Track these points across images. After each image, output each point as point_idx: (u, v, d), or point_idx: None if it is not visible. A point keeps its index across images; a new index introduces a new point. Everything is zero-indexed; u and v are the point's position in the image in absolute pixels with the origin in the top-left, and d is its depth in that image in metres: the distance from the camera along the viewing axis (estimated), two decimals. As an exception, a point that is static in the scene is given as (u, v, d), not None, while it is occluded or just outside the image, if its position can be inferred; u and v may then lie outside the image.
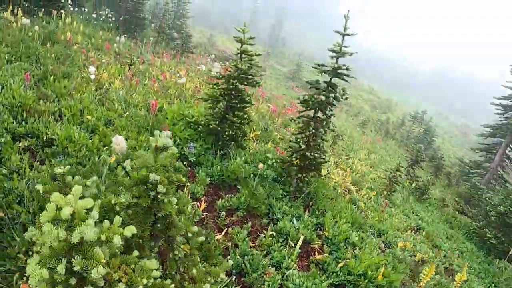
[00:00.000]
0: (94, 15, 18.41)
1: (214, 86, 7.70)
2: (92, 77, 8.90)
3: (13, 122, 5.99)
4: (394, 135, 36.54)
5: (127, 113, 8.35)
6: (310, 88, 7.32)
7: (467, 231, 13.96)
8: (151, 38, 20.30)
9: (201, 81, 13.68)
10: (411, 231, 10.36)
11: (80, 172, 4.25)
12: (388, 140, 33.21)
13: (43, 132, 5.96)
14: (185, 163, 7.11)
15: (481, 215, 15.11)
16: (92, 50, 12.80)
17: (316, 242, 6.59)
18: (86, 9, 18.31)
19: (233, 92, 7.46)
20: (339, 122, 27.26)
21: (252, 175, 7.22)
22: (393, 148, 30.44)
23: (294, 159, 7.46)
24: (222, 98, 7.50)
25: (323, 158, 7.50)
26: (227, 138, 7.73)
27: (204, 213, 6.06)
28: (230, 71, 7.49)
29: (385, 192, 13.02)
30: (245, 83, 7.45)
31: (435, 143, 40.30)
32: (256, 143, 10.01)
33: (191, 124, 8.02)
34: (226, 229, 5.87)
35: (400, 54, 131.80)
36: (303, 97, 7.22)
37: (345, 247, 6.75)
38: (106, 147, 6.24)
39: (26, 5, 13.80)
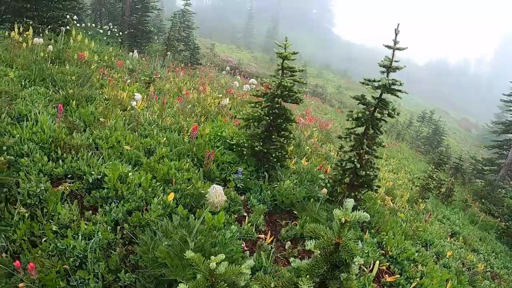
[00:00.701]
0: (98, 30, 17.55)
1: (257, 105, 7.27)
2: (134, 104, 8.29)
3: (48, 162, 5.11)
4: (404, 136, 36.04)
5: (164, 139, 7.51)
6: (359, 103, 7.08)
7: (495, 231, 14.03)
8: (157, 52, 19.56)
9: (238, 99, 12.94)
10: (449, 237, 10.35)
11: (163, 229, 3.39)
12: (399, 142, 32.66)
13: (87, 172, 5.10)
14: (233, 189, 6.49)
15: (506, 214, 15.25)
16: (105, 67, 11.95)
17: (384, 263, 6.29)
18: (90, 24, 17.46)
19: (276, 110, 7.09)
20: (349, 125, 26.45)
21: (305, 198, 6.80)
22: (407, 150, 29.86)
23: (346, 177, 7.11)
24: (266, 117, 7.04)
25: (375, 175, 7.17)
26: (274, 159, 7.32)
27: (269, 245, 5.40)
28: (270, 88, 7.16)
29: (419, 200, 12.74)
30: (289, 100, 7.14)
31: (444, 142, 40.06)
32: (294, 160, 9.23)
33: (233, 146, 7.36)
34: (296, 261, 5.20)
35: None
36: (356, 115, 6.85)
37: (408, 264, 6.50)
38: (158, 183, 5.40)
39: (30, 22, 12.93)
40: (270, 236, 5.67)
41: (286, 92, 6.95)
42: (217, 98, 12.16)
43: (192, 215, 4.74)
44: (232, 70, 27.58)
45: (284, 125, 7.29)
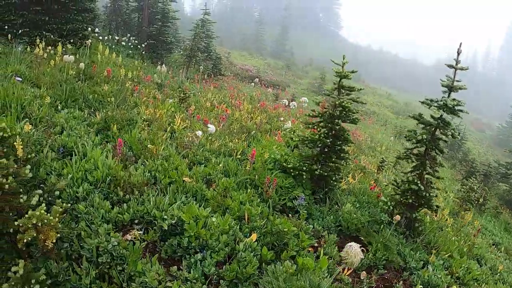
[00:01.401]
0: (116, 42, 16.80)
1: (315, 126, 6.97)
2: (200, 134, 7.69)
3: (111, 207, 4.27)
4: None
5: (220, 165, 6.67)
6: (418, 123, 7.09)
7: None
8: (176, 62, 18.81)
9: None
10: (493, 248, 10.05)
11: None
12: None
13: (158, 217, 4.26)
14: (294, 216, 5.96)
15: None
16: (133, 83, 11.14)
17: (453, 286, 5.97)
18: (110, 37, 16.71)
19: (335, 132, 6.83)
20: (379, 136, 25.57)
21: (369, 222, 6.50)
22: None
23: (408, 199, 6.89)
24: (325, 139, 6.69)
25: (435, 195, 7.15)
26: (334, 182, 7.16)
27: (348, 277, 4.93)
28: (326, 108, 6.90)
29: (462, 213, 12.09)
30: (347, 121, 6.90)
31: (465, 146, 39.24)
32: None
33: (291, 170, 6.75)
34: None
35: (401, 51, 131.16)
36: (421, 136, 6.79)
37: (473, 284, 6.37)
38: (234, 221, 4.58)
39: (50, 36, 12.18)
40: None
41: (344, 113, 6.69)
42: (278, 121, 11.30)
43: (290, 263, 4.15)
44: (253, 80, 26.78)
45: (343, 146, 7.00)
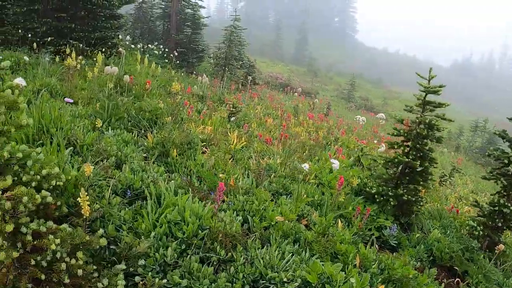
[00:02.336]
0: (143, 51, 15.67)
1: (400, 146, 6.48)
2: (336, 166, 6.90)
3: (215, 273, 3.00)
4: (459, 147, 33.28)
5: (304, 195, 5.46)
6: (505, 141, 6.62)
7: None
8: (205, 70, 17.65)
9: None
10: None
11: None
12: (459, 154, 29.90)
13: (278, 280, 2.94)
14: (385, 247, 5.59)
15: None
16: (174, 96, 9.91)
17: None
18: (141, 46, 15.56)
19: (422, 153, 6.39)
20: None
21: (462, 250, 5.98)
22: (469, 164, 27.13)
23: (497, 222, 6.39)
24: (414, 161, 6.19)
25: None
26: (418, 206, 6.67)
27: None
28: (411, 126, 6.47)
29: None
30: (434, 140, 6.52)
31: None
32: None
33: (374, 196, 6.28)
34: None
35: (417, 52, 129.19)
36: None
37: None
38: None
39: (78, 44, 11.05)
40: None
41: (430, 131, 6.33)
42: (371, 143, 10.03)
43: None
44: (284, 88, 25.53)
45: (429, 168, 6.53)
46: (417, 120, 6.28)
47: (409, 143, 6.32)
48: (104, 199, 3.58)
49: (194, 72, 16.42)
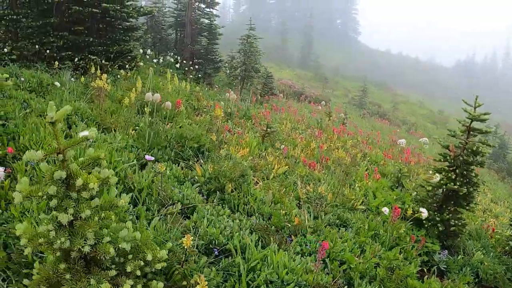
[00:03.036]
0: (155, 62, 15.15)
1: (446, 172, 6.44)
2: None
3: None
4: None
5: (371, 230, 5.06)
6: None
7: None
8: (221, 81, 17.18)
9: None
10: None
11: None
12: None
13: None
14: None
15: None
16: (203, 113, 9.48)
17: None
18: (148, 56, 15.05)
19: (468, 178, 6.41)
20: (432, 152, 23.46)
21: (504, 271, 5.95)
22: (482, 170, 26.55)
23: None
24: (460, 187, 6.22)
25: None
26: (461, 229, 6.56)
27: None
28: (455, 151, 6.49)
29: None
30: (478, 165, 6.53)
31: (509, 155, 37.37)
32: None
33: (423, 221, 6.24)
34: None
35: (418, 52, 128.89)
36: None
37: None
38: None
39: (97, 59, 10.60)
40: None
41: (475, 157, 6.39)
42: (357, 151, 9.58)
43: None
44: (299, 97, 25.05)
45: (473, 193, 6.56)
46: (462, 146, 6.35)
47: (454, 169, 6.36)
48: (187, 261, 3.11)
49: (231, 91, 16.01)
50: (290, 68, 48.58)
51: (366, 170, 9.53)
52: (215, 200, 4.92)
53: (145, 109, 6.95)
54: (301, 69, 52.11)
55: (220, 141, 6.97)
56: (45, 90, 7.92)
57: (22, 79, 7.88)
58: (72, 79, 8.26)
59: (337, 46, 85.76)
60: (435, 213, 6.23)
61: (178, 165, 5.92)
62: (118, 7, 11.09)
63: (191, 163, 6.12)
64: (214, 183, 5.30)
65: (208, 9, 17.66)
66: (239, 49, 19.31)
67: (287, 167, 7.54)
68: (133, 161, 5.18)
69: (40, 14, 11.08)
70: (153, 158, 4.58)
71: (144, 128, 6.31)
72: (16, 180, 4.17)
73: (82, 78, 8.12)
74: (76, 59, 10.74)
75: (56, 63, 9.60)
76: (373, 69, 77.70)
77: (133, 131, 6.72)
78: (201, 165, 5.86)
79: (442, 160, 6.48)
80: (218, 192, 5.17)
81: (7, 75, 4.93)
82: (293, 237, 4.54)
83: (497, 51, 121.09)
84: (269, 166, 7.28)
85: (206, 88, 13.72)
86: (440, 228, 6.11)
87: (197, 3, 17.16)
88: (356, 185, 7.73)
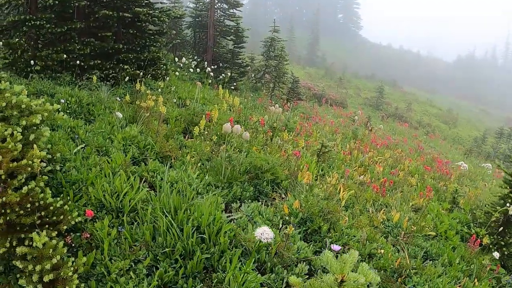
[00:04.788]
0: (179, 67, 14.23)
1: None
2: None
3: None
4: (490, 156, 32.12)
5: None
6: None
7: None
8: (243, 85, 16.36)
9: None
10: None
11: None
12: (489, 162, 28.65)
13: None
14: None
15: None
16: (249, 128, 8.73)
17: None
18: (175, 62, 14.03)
19: None
20: (455, 156, 22.76)
21: None
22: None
23: None
24: None
25: None
26: None
27: None
28: None
29: None
30: None
31: None
32: None
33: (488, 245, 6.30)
34: None
35: (419, 46, 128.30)
36: None
37: None
38: None
39: (129, 68, 9.80)
40: None
41: None
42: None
43: None
44: (320, 100, 24.26)
45: None
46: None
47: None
48: None
49: (237, 89, 15.19)
50: (299, 66, 47.67)
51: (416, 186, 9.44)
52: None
53: (194, 129, 6.22)
54: (309, 66, 51.16)
55: (295, 171, 6.23)
56: (85, 111, 7.06)
57: (63, 100, 6.98)
58: (118, 98, 7.34)
59: (340, 41, 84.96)
60: (498, 237, 6.35)
61: (258, 201, 5.26)
62: (151, 11, 10.26)
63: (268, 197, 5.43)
64: (310, 225, 4.71)
65: (231, 10, 16.77)
66: (262, 52, 18.54)
67: (352, 191, 6.97)
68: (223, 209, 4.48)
69: (61, 19, 10.16)
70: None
71: (219, 162, 5.53)
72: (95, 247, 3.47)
73: (127, 97, 7.25)
74: (106, 69, 9.91)
75: (96, 78, 8.77)
76: (377, 65, 76.94)
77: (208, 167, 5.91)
78: (282, 199, 5.24)
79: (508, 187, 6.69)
80: (313, 234, 4.59)
81: (58, 106, 4.12)
82: (399, 279, 4.54)
83: (498, 45, 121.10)
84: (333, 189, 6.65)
85: (248, 97, 12.96)
86: (506, 252, 6.24)
87: (219, 4, 16.26)
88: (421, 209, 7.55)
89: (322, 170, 8.35)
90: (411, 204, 7.77)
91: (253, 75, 17.83)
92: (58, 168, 4.26)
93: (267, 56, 18.20)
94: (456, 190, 9.41)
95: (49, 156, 3.94)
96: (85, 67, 9.86)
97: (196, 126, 6.45)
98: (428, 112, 44.34)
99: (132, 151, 5.56)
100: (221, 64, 16.16)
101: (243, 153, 5.73)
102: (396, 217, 6.20)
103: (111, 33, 10.28)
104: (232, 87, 14.46)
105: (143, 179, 4.95)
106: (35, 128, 3.81)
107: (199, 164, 5.81)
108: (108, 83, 9.75)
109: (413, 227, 6.18)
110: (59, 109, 4.54)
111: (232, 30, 16.11)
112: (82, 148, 5.14)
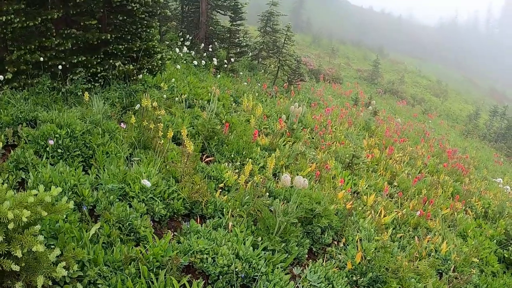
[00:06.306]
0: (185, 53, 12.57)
1: None
2: None
3: None
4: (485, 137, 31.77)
5: None
6: None
7: None
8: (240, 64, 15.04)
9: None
10: None
11: None
12: (482, 143, 28.35)
13: None
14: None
15: None
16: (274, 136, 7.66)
17: None
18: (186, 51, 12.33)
19: None
20: (455, 139, 22.19)
21: None
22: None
23: None
24: None
25: None
26: None
27: None
28: None
29: None
30: None
31: None
32: None
33: None
34: None
35: (399, 10, 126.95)
36: None
37: None
38: None
39: (121, 63, 8.42)
40: None
41: None
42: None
43: None
44: (317, 77, 23.02)
45: None
46: None
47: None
48: None
49: (235, 71, 13.90)
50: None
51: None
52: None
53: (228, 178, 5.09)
54: (296, 32, 49.23)
55: (346, 218, 5.24)
56: (81, 144, 5.53)
57: (51, 141, 5.30)
58: (123, 125, 5.85)
59: (323, 4, 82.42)
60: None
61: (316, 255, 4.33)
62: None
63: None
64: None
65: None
66: (259, 27, 17.07)
67: (395, 214, 6.35)
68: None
69: (33, 9, 8.35)
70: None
71: (270, 217, 4.41)
72: None
73: (133, 119, 5.85)
74: (93, 66, 8.44)
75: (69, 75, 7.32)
76: (362, 30, 75.45)
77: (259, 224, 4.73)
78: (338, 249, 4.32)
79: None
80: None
81: (71, 206, 2.90)
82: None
83: (479, 12, 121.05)
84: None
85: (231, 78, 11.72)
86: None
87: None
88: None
89: (355, 185, 7.43)
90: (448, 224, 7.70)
91: (250, 53, 16.43)
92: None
93: (264, 31, 16.80)
94: (489, 204, 9.60)
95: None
96: (67, 66, 8.31)
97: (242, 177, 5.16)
98: (419, 83, 43.71)
99: (157, 209, 4.38)
100: (216, 44, 14.64)
101: (293, 196, 4.60)
102: (444, 249, 6.13)
103: (95, 20, 8.70)
104: (228, 70, 13.06)
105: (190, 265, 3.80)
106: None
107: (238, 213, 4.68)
108: (97, 84, 8.34)
109: (457, 257, 6.14)
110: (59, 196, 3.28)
111: (228, 5, 14.45)
112: (97, 230, 3.77)
